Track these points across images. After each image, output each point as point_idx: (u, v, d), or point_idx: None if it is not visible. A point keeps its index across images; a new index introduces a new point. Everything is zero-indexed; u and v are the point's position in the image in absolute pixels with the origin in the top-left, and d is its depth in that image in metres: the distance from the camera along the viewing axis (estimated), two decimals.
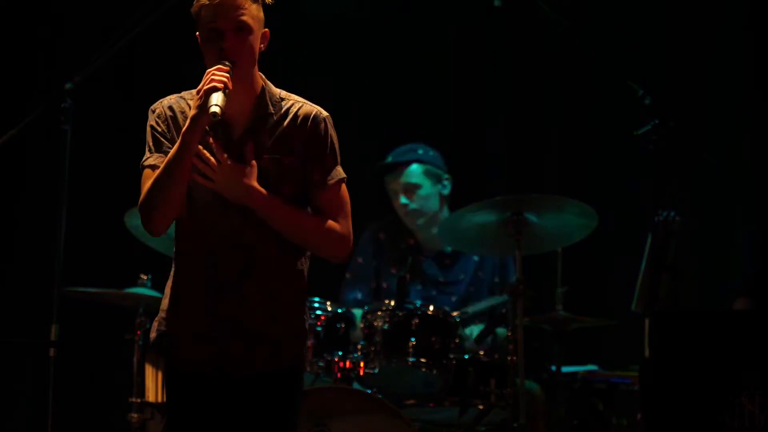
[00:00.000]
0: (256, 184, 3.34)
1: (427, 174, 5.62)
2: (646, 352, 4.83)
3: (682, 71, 6.32)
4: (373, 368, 4.93)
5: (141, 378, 5.16)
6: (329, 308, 5.10)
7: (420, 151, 5.64)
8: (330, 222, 3.41)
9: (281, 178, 3.39)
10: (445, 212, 5.63)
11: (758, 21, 6.22)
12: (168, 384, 3.49)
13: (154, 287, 5.23)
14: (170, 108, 3.43)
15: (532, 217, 5.06)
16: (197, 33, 3.39)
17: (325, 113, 3.45)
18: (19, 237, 6.31)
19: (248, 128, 3.41)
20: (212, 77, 3.27)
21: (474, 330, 5.36)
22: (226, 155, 3.35)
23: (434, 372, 4.94)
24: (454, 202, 5.65)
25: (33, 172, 6.24)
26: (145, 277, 5.25)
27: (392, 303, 5.02)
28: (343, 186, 3.45)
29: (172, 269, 3.46)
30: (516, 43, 6.49)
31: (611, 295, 6.10)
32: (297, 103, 3.45)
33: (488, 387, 5.03)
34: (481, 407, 5.01)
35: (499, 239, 5.12)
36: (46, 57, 6.29)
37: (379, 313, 4.99)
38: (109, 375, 6.16)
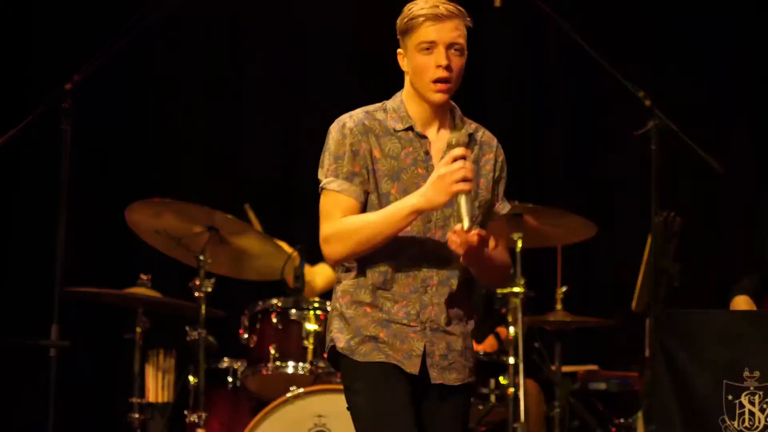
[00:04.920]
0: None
1: None
2: (646, 352, 4.83)
3: (681, 69, 6.33)
4: None
5: (141, 378, 5.16)
6: (329, 308, 5.08)
7: None
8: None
9: None
10: None
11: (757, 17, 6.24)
12: None
13: (154, 287, 5.23)
14: (362, 124, 3.30)
15: (531, 221, 5.07)
16: (398, 50, 3.32)
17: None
18: (19, 237, 6.31)
19: None
20: (458, 173, 3.06)
21: None
22: None
23: None
24: None
25: (33, 172, 6.23)
26: (145, 277, 5.24)
27: None
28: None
29: None
30: (515, 43, 6.50)
31: (611, 295, 6.09)
32: None
33: (488, 387, 5.02)
34: (480, 407, 5.01)
35: None
36: (46, 57, 6.28)
37: None
38: (109, 375, 6.16)
